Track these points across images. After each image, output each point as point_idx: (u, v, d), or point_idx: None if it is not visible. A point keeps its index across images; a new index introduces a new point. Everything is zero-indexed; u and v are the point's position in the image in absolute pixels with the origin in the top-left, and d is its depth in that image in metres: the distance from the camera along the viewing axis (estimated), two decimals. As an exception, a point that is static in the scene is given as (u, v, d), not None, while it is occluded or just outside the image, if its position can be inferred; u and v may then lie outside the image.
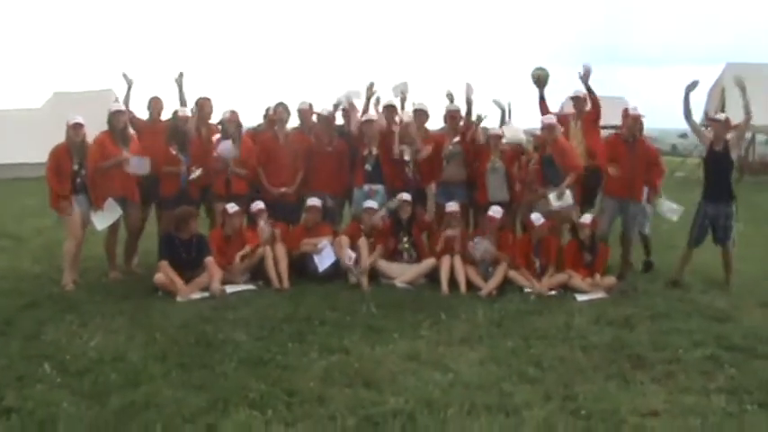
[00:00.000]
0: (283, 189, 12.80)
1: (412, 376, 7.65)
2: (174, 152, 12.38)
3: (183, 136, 12.53)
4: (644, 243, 13.31)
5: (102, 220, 11.97)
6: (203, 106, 13.10)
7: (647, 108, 12.68)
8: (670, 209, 12.55)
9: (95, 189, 11.92)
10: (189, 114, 12.78)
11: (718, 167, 11.70)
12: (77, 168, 11.76)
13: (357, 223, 12.66)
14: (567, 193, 11.90)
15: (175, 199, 12.30)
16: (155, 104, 13.10)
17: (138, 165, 12.01)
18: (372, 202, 12.44)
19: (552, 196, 11.89)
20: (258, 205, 12.36)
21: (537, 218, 11.83)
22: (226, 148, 12.26)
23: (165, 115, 13.10)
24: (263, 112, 13.47)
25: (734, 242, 11.83)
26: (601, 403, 6.96)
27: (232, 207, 12.03)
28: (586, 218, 11.87)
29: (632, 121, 12.22)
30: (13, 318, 9.76)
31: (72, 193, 11.76)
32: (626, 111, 12.53)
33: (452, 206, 12.19)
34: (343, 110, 13.36)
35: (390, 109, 13.17)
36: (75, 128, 11.75)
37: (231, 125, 12.61)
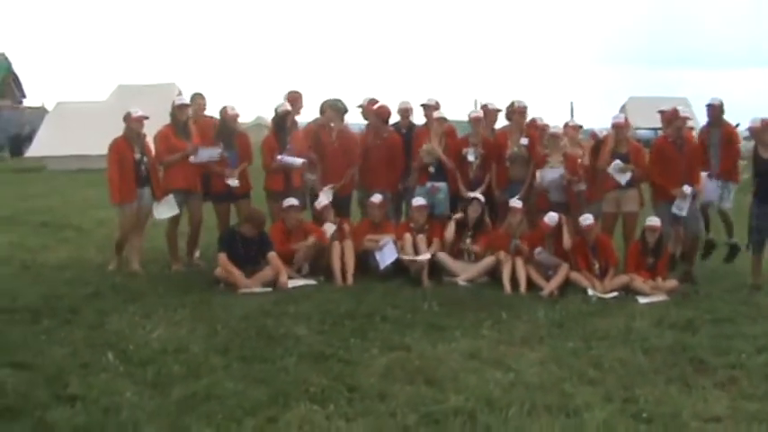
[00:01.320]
0: (328, 187, 12.77)
1: (473, 375, 7.62)
2: (219, 149, 12.42)
3: (229, 134, 12.64)
4: (724, 221, 13.12)
5: (162, 210, 12.10)
6: (196, 101, 13.24)
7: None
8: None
9: (158, 181, 12.06)
10: (237, 113, 12.86)
11: (766, 171, 11.57)
12: (139, 158, 11.97)
13: (407, 222, 12.72)
14: (629, 173, 11.94)
15: (226, 194, 12.51)
16: (198, 101, 13.23)
17: (208, 154, 12.16)
18: (422, 200, 12.47)
19: (615, 165, 11.88)
20: (323, 202, 12.37)
21: (585, 218, 11.77)
22: (208, 154, 12.29)
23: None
24: (319, 108, 13.41)
25: None
26: (662, 407, 6.89)
27: (288, 201, 12.10)
28: (655, 221, 11.73)
29: (680, 122, 12.14)
30: (77, 306, 9.90)
31: (136, 185, 11.96)
32: (673, 112, 12.47)
33: (516, 203, 12.16)
34: (402, 110, 13.42)
35: (429, 108, 13.30)
36: (139, 120, 11.99)
37: (230, 122, 12.73)
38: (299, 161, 12.34)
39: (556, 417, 6.61)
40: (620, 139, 12.33)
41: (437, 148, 12.58)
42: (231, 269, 11.15)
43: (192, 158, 12.12)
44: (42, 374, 7.41)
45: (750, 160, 11.96)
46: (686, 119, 12.23)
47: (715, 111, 12.70)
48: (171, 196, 12.20)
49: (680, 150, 12.00)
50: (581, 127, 13.94)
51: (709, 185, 12.33)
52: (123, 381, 7.28)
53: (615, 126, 12.41)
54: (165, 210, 12.17)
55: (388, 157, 13.02)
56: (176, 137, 12.23)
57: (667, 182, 12.02)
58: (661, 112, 13.33)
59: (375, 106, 13.36)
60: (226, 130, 12.63)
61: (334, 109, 13.10)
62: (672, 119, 12.41)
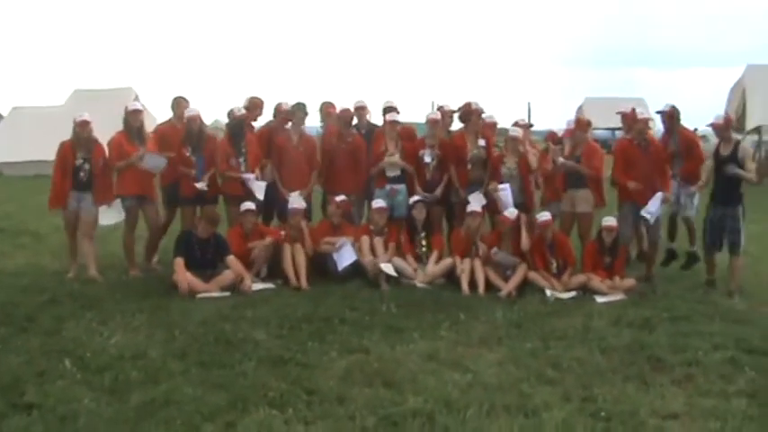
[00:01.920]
0: (295, 193, 12.66)
1: (431, 376, 7.65)
2: (187, 153, 12.42)
3: (196, 137, 12.56)
4: (688, 229, 13.15)
5: (107, 216, 12.09)
6: (179, 105, 13.09)
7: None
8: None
9: (103, 187, 12.07)
10: (196, 115, 12.73)
11: (724, 170, 11.51)
12: (80, 163, 11.96)
13: (367, 224, 12.72)
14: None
15: (194, 199, 12.40)
16: (179, 105, 13.10)
17: (154, 162, 12.11)
18: (382, 202, 12.50)
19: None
20: (294, 204, 12.35)
21: (542, 215, 11.93)
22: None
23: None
24: (273, 110, 13.35)
25: (742, 249, 11.63)
26: (620, 405, 6.96)
27: (245, 205, 12.08)
28: (611, 221, 11.82)
29: (642, 125, 12.16)
30: (33, 314, 9.82)
31: (72, 189, 12.00)
32: (633, 114, 12.57)
33: (475, 206, 12.19)
34: (357, 109, 13.40)
35: (448, 114, 13.44)
36: (82, 125, 12.04)
37: (194, 125, 12.63)
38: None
39: (514, 417, 6.65)
40: (576, 141, 12.45)
41: (399, 160, 12.64)
42: (183, 275, 11.10)
43: (140, 165, 12.06)
44: (-3, 383, 7.34)
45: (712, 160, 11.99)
46: (648, 120, 12.27)
47: (668, 117, 12.76)
48: (117, 202, 12.23)
49: (645, 152, 12.04)
50: (531, 126, 14.04)
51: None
52: (81, 388, 7.23)
53: (569, 133, 12.71)
54: (111, 216, 12.15)
55: (353, 160, 12.99)
56: (129, 143, 12.17)
57: (626, 187, 12.08)
58: (621, 113, 13.37)
59: (339, 110, 13.33)
60: (192, 133, 12.56)
61: (303, 112, 13.06)
62: (633, 121, 12.50)
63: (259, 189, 12.28)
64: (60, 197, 12.07)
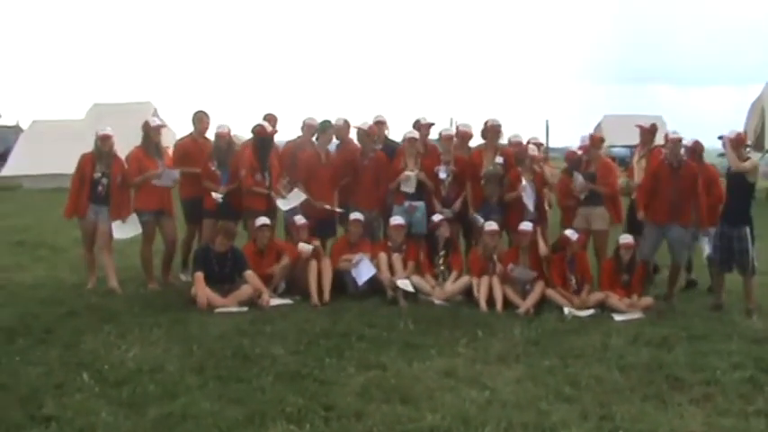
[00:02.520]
0: (327, 206, 12.79)
1: (449, 393, 7.64)
2: (212, 167, 12.46)
3: (222, 152, 12.61)
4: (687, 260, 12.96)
5: (122, 230, 12.07)
6: (201, 120, 13.14)
7: (687, 128, 12.49)
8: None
9: (120, 201, 12.11)
10: (226, 131, 12.79)
11: (735, 188, 11.49)
12: (99, 177, 11.99)
13: (385, 241, 12.73)
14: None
15: (216, 212, 12.43)
16: (200, 120, 13.12)
17: (168, 178, 12.17)
18: (400, 219, 12.50)
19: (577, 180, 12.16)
20: (300, 220, 12.34)
21: (572, 233, 11.86)
22: (168, 177, 12.30)
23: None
24: (301, 125, 13.35)
25: (753, 269, 11.43)
26: (638, 424, 6.93)
27: (260, 221, 12.12)
28: (628, 238, 11.81)
29: (673, 145, 11.90)
30: (52, 326, 9.86)
31: (89, 201, 12.04)
32: (652, 128, 12.51)
33: (492, 225, 12.15)
34: (376, 123, 13.41)
35: (426, 127, 13.29)
36: (104, 139, 12.08)
37: (222, 141, 12.69)
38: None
39: (532, 435, 6.62)
40: (590, 158, 12.45)
41: (416, 173, 12.61)
42: (201, 290, 11.15)
43: (154, 181, 12.13)
44: (16, 395, 7.38)
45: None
46: (679, 140, 11.92)
47: (691, 152, 12.36)
48: (134, 216, 12.21)
49: (675, 173, 11.82)
50: (542, 145, 14.03)
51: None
52: (98, 401, 7.27)
53: (582, 150, 12.66)
54: (127, 230, 12.14)
55: (375, 176, 12.98)
56: (148, 158, 12.23)
57: (656, 205, 11.96)
58: (639, 126, 13.18)
59: (365, 126, 13.24)
60: (221, 149, 12.62)
61: (333, 129, 13.16)
62: (651, 135, 12.51)
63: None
64: (77, 207, 12.13)
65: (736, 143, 11.48)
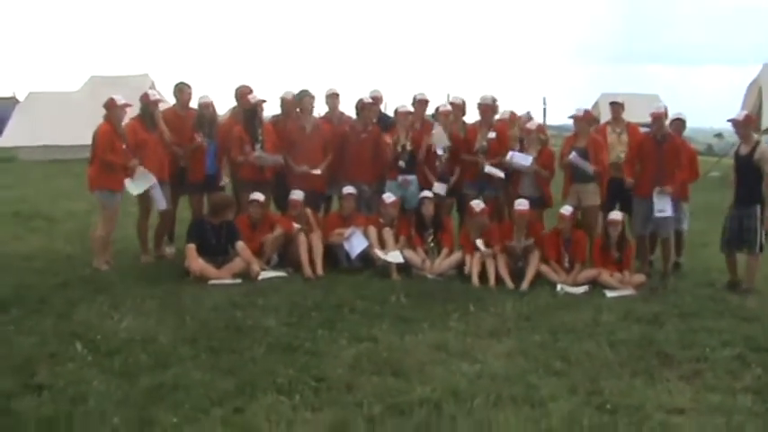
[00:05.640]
0: (306, 167, 12.74)
1: (439, 366, 7.70)
2: (199, 139, 12.44)
3: (207, 123, 12.63)
4: (677, 241, 13.02)
5: (136, 186, 11.95)
6: (182, 91, 13.04)
7: (683, 108, 12.48)
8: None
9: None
10: (209, 101, 12.79)
11: (744, 170, 11.50)
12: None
13: (377, 216, 12.71)
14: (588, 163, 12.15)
15: (201, 185, 12.52)
16: (181, 91, 13.03)
17: (135, 185, 11.98)
18: (392, 196, 12.49)
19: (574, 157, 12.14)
20: (296, 195, 12.33)
21: (566, 209, 11.93)
22: (141, 182, 12.05)
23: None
24: (280, 100, 13.39)
25: (761, 247, 11.37)
26: (626, 399, 6.98)
27: (254, 195, 12.16)
28: (616, 215, 11.87)
29: (654, 120, 12.15)
30: (46, 296, 9.90)
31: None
32: (588, 115, 12.63)
33: (479, 204, 12.19)
34: (373, 98, 13.40)
35: (422, 104, 13.27)
36: (123, 108, 11.97)
37: (206, 111, 12.71)
38: (276, 159, 12.42)
39: (520, 407, 6.69)
40: (579, 132, 12.50)
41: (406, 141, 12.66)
42: (193, 260, 11.20)
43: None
44: (9, 363, 7.42)
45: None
46: (661, 115, 12.17)
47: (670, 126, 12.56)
48: (141, 168, 11.90)
49: (659, 146, 12.02)
50: (531, 119, 14.05)
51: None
52: (91, 370, 7.30)
53: (574, 118, 12.60)
54: (140, 184, 11.99)
55: (374, 150, 13.00)
56: (144, 130, 12.14)
57: (642, 178, 12.15)
58: (573, 117, 13.06)
59: (368, 100, 13.24)
60: (204, 119, 12.61)
61: (310, 97, 13.11)
62: (588, 124, 12.75)
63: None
64: (116, 181, 11.92)
65: (745, 124, 11.56)
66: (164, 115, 12.85)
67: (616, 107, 13.08)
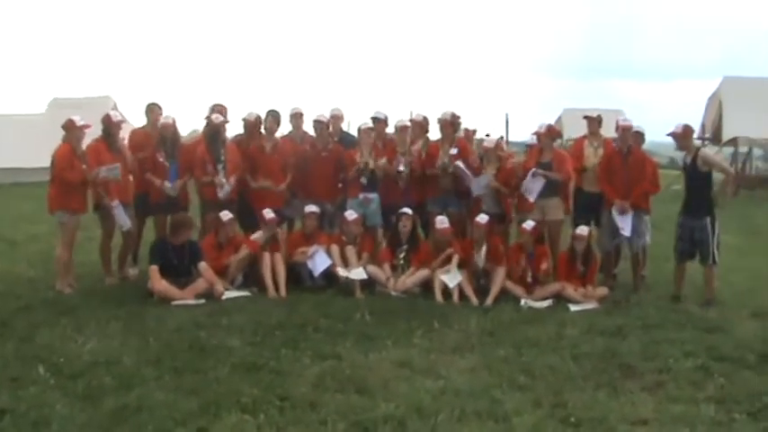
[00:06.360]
0: (270, 184, 12.78)
1: (404, 383, 7.71)
2: (161, 159, 12.43)
3: (168, 143, 12.59)
4: (641, 254, 12.99)
5: (108, 170, 11.85)
6: (152, 111, 13.08)
7: (646, 121, 12.55)
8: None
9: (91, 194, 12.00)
10: (171, 122, 12.75)
11: (691, 180, 11.63)
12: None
13: (339, 234, 12.72)
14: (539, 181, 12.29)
15: (165, 205, 12.44)
16: (152, 111, 13.05)
17: (108, 172, 11.87)
18: (354, 213, 12.50)
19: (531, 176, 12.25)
20: (268, 214, 12.24)
21: (528, 224, 11.96)
22: (108, 172, 11.92)
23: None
24: (242, 121, 13.36)
25: (714, 259, 11.49)
26: (590, 411, 7.03)
27: (226, 215, 12.11)
28: (583, 230, 11.91)
29: (622, 132, 12.25)
30: (7, 320, 9.84)
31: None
32: (618, 122, 12.61)
33: (443, 222, 12.18)
34: (332, 117, 13.47)
35: (381, 123, 13.30)
36: (82, 129, 11.87)
37: (167, 131, 12.65)
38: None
39: (485, 422, 6.73)
40: (544, 147, 12.60)
41: (369, 158, 12.68)
42: (157, 282, 11.17)
43: (97, 179, 11.84)
44: (-29, 388, 7.36)
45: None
46: (627, 128, 12.29)
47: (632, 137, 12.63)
48: (108, 166, 11.84)
49: (624, 160, 12.17)
50: (502, 138, 14.07)
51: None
52: (54, 393, 7.27)
53: (537, 134, 12.72)
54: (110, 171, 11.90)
55: (333, 169, 13.07)
56: (107, 151, 12.05)
57: (610, 192, 12.25)
58: (587, 117, 13.29)
59: (322, 118, 13.28)
60: (166, 139, 12.58)
61: (275, 118, 13.10)
62: (551, 139, 12.83)
63: (121, 217, 12.17)
64: (79, 202, 11.96)
65: (684, 135, 11.66)
66: (134, 135, 12.92)
67: (592, 121, 13.14)
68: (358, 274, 11.87)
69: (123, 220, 12.09)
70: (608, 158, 12.48)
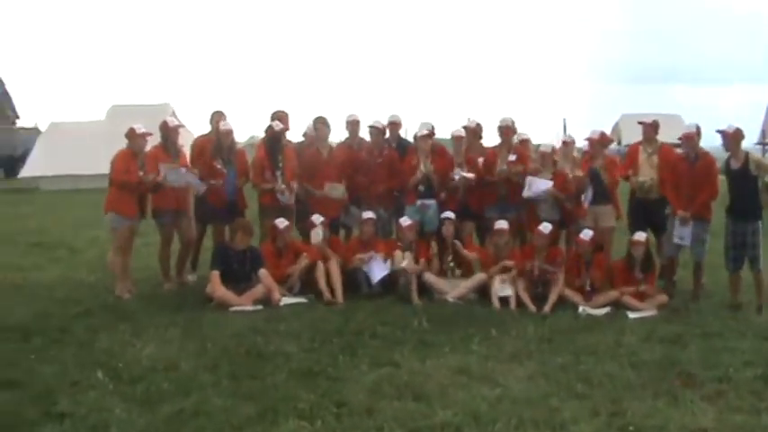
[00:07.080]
0: (329, 186, 12.86)
1: (461, 390, 7.65)
2: (218, 166, 12.48)
3: (226, 150, 12.65)
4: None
5: (174, 173, 12.03)
6: (217, 119, 13.05)
7: (704, 128, 12.23)
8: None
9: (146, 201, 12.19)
10: (230, 129, 12.77)
11: (741, 185, 11.43)
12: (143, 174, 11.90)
13: (395, 240, 12.69)
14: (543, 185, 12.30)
15: (224, 211, 12.49)
16: (217, 119, 13.07)
17: (174, 177, 12.03)
18: (408, 220, 12.49)
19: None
20: (318, 219, 12.32)
21: (585, 234, 11.84)
22: (176, 175, 12.11)
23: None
24: (305, 130, 13.43)
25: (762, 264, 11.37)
26: (649, 420, 6.93)
27: (282, 222, 12.16)
28: (641, 235, 11.77)
29: (686, 140, 11.98)
30: (67, 325, 9.94)
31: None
32: (603, 138, 12.60)
33: (501, 224, 12.18)
34: (390, 123, 13.46)
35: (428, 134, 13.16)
36: (143, 136, 12.03)
37: (226, 138, 12.70)
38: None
39: (542, 431, 6.66)
40: (595, 153, 12.56)
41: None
42: (217, 287, 11.23)
43: (169, 178, 12.00)
44: (31, 392, 7.46)
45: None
46: (693, 135, 11.93)
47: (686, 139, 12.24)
48: (173, 166, 12.08)
49: (691, 166, 11.85)
50: (573, 142, 13.83)
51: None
52: (112, 398, 7.32)
53: (589, 140, 12.70)
54: (175, 175, 12.05)
55: (388, 175, 13.06)
56: (166, 157, 12.16)
57: (674, 200, 11.99)
58: (642, 123, 13.11)
59: (378, 124, 13.30)
60: (223, 146, 12.63)
61: (325, 125, 13.15)
62: (602, 146, 12.73)
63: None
64: (132, 207, 12.10)
65: (735, 137, 11.50)
66: (198, 141, 12.97)
67: (647, 127, 12.90)
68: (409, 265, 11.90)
69: (197, 184, 12.25)
70: (673, 165, 12.22)
